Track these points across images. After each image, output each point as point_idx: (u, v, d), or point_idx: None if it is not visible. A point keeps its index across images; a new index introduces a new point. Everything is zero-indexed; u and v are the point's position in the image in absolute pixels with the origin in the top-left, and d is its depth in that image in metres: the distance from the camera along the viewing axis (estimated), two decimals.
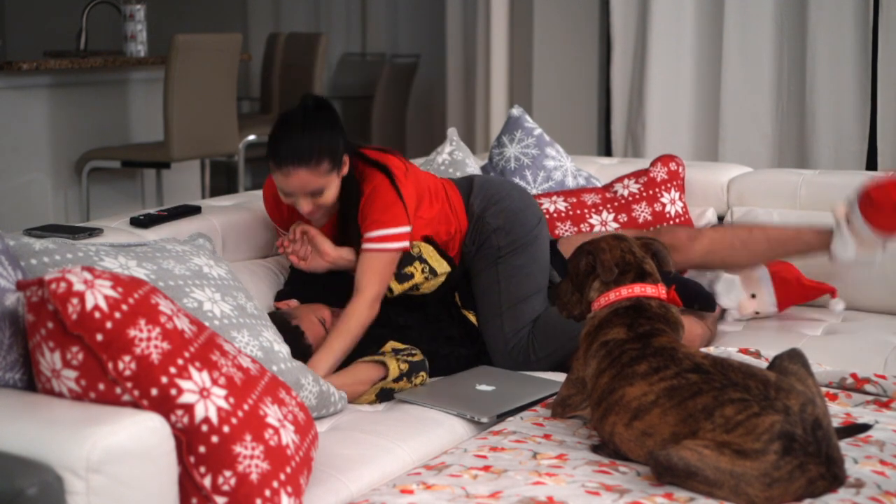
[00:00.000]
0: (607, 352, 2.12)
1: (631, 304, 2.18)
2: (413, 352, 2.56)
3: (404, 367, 2.49)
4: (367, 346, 2.60)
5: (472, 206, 2.87)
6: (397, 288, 2.70)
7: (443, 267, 2.75)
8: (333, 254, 2.73)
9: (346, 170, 2.66)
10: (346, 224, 2.71)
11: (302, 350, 2.54)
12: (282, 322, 2.57)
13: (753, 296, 3.09)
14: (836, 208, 2.94)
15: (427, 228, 2.79)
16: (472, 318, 2.83)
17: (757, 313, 3.10)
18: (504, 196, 2.90)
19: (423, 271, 2.71)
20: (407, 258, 2.71)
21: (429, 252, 2.75)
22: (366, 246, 2.66)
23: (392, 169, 2.70)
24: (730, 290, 3.10)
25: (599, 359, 2.14)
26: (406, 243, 2.68)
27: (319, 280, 2.78)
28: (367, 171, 2.70)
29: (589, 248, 2.28)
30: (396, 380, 2.48)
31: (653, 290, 2.21)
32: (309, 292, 2.79)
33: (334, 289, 2.75)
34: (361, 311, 2.61)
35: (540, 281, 2.85)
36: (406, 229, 2.67)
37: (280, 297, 2.82)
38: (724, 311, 3.13)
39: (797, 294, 3.11)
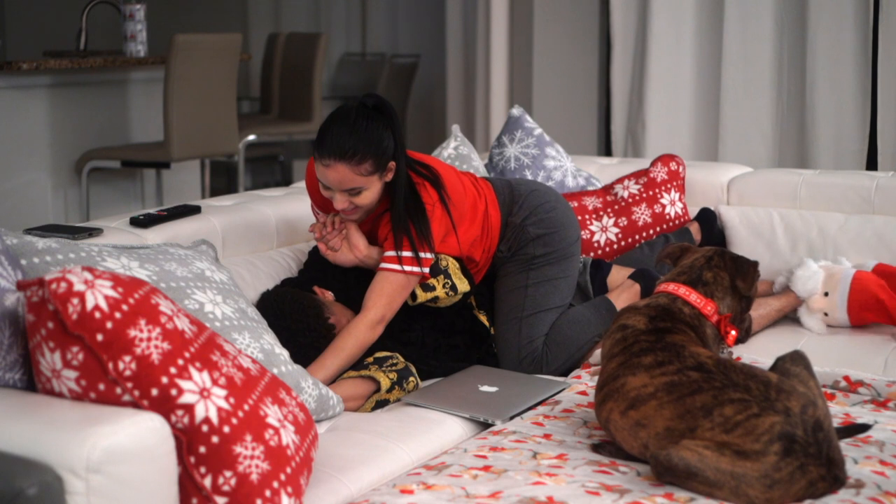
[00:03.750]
0: (622, 337, 2.14)
1: (666, 303, 2.19)
2: (395, 361, 2.53)
3: (393, 376, 2.46)
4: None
5: (513, 219, 2.82)
6: (421, 296, 2.66)
7: (464, 286, 2.71)
8: (365, 251, 2.66)
9: (390, 176, 2.57)
10: (396, 231, 2.60)
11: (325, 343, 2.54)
12: (316, 312, 2.55)
13: (826, 294, 2.91)
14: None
15: (467, 250, 2.75)
16: (483, 319, 2.82)
17: (826, 315, 2.92)
18: (550, 208, 2.86)
19: (444, 286, 2.68)
20: (433, 269, 2.66)
21: (454, 268, 2.71)
22: (383, 265, 2.60)
23: (449, 191, 2.65)
24: (808, 280, 2.94)
25: (613, 342, 2.15)
26: (426, 270, 2.61)
27: (339, 269, 2.72)
28: (422, 184, 2.63)
29: (685, 246, 2.34)
30: (389, 390, 2.46)
31: (697, 299, 2.19)
32: (326, 280, 2.73)
33: (355, 284, 2.70)
34: (361, 330, 2.54)
35: (566, 295, 2.83)
36: (430, 256, 2.61)
37: (289, 283, 2.76)
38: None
39: (874, 308, 2.88)
